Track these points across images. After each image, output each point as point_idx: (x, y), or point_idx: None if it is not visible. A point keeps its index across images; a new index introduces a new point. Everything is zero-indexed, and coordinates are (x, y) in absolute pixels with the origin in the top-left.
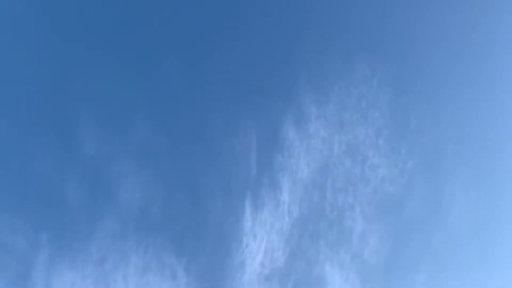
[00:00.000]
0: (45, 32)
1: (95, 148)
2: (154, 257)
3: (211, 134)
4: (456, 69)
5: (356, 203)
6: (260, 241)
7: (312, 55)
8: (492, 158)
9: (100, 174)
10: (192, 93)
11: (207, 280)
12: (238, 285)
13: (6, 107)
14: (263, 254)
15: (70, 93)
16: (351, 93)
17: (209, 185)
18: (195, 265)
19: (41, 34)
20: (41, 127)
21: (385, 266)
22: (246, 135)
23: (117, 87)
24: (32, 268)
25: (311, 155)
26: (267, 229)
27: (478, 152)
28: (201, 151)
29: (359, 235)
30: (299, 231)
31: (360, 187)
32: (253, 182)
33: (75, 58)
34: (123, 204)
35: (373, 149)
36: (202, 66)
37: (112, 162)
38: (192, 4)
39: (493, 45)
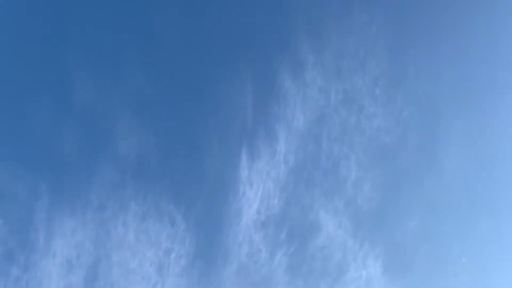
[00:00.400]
0: None
1: (91, 97)
2: (153, 204)
3: (207, 83)
4: (456, 16)
5: (351, 152)
6: (256, 189)
7: (309, 1)
8: (489, 108)
9: (96, 123)
10: (188, 42)
11: (205, 226)
12: (235, 231)
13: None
14: (259, 202)
15: (64, 42)
16: (348, 41)
17: (206, 135)
18: (193, 212)
19: None
20: (36, 77)
21: (377, 212)
22: (242, 84)
23: (112, 35)
24: (33, 215)
25: (307, 104)
26: (263, 177)
27: (475, 102)
28: (197, 100)
29: (353, 183)
30: (295, 180)
31: (355, 136)
32: (249, 131)
33: (70, 7)
34: (121, 153)
35: (370, 98)
36: (198, 14)
37: (108, 111)
38: None
39: None
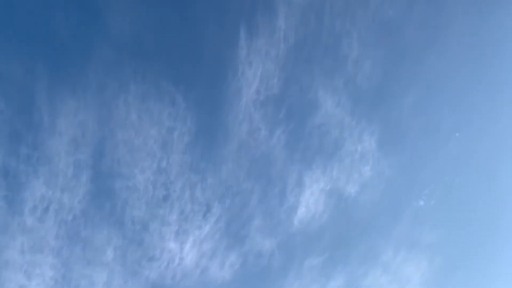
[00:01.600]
0: None
1: None
2: (153, 84)
3: None
4: None
5: (353, 28)
6: (256, 68)
7: None
8: None
9: (88, 1)
10: None
11: (205, 105)
12: (235, 110)
13: None
14: (258, 81)
15: None
16: None
17: (203, 12)
18: (193, 92)
19: None
20: None
21: (376, 90)
22: None
23: None
24: (34, 96)
25: None
26: (262, 56)
27: None
28: None
29: (353, 60)
30: (294, 58)
31: (358, 10)
32: (247, 7)
33: None
34: (115, 32)
35: None
36: None
37: None
38: None
39: None
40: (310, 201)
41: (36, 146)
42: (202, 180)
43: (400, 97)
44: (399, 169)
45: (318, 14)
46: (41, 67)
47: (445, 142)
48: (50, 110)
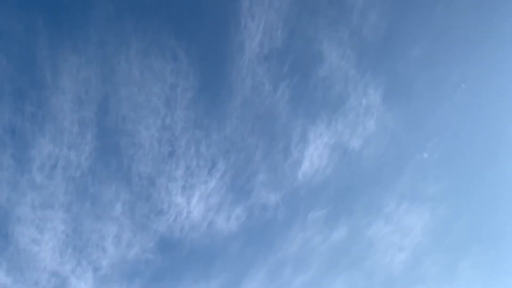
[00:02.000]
0: None
1: None
2: (154, 39)
3: None
4: None
5: None
6: (258, 21)
7: None
8: None
9: None
10: None
11: (208, 60)
12: (238, 65)
13: None
14: (261, 34)
15: None
16: None
17: None
18: (195, 47)
19: None
20: None
21: (382, 42)
22: None
23: None
24: (35, 53)
25: None
26: (265, 8)
27: None
28: None
29: (359, 11)
30: (298, 9)
31: None
32: None
33: None
34: None
35: None
36: None
37: None
38: None
39: None
40: (314, 155)
41: (40, 104)
42: (207, 136)
43: (406, 49)
44: (404, 122)
45: None
46: (41, 23)
47: (451, 95)
48: (52, 67)
